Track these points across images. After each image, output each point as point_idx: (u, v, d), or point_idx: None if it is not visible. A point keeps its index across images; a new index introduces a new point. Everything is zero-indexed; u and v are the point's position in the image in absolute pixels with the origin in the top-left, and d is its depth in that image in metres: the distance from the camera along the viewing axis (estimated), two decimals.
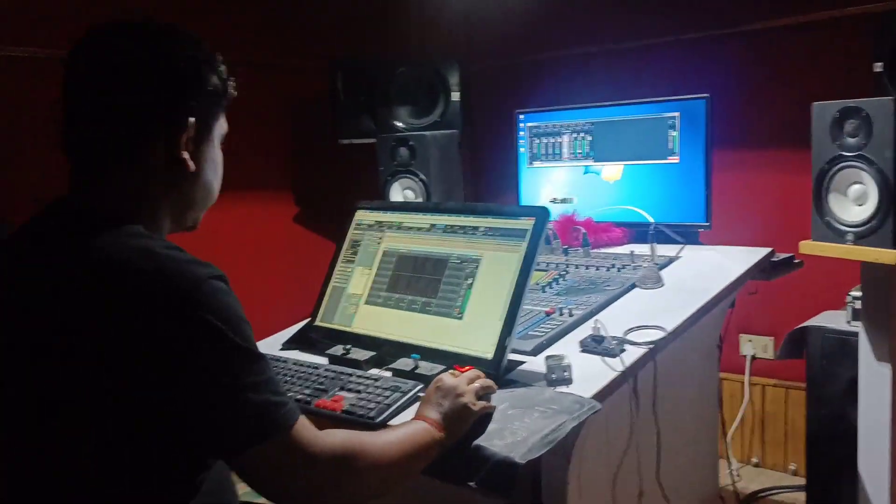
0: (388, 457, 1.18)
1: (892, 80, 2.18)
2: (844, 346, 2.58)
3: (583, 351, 1.55)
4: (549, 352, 1.56)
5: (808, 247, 1.83)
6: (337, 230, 1.96)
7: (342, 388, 1.55)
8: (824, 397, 2.66)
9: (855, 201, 1.72)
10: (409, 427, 1.27)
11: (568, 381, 1.44)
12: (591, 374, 1.46)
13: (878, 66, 2.24)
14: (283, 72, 3.53)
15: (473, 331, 1.55)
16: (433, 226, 1.75)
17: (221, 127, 1.22)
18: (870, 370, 1.83)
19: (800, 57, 2.95)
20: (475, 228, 1.67)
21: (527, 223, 1.57)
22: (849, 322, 2.65)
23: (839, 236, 1.74)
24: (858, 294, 2.60)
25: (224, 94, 1.20)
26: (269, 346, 1.86)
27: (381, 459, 1.17)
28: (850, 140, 1.69)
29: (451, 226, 1.71)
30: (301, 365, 1.70)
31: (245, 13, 3.33)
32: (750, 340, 3.26)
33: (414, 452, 1.22)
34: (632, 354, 1.51)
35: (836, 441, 2.55)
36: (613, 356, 1.50)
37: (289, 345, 1.85)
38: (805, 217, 1.86)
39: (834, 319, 2.73)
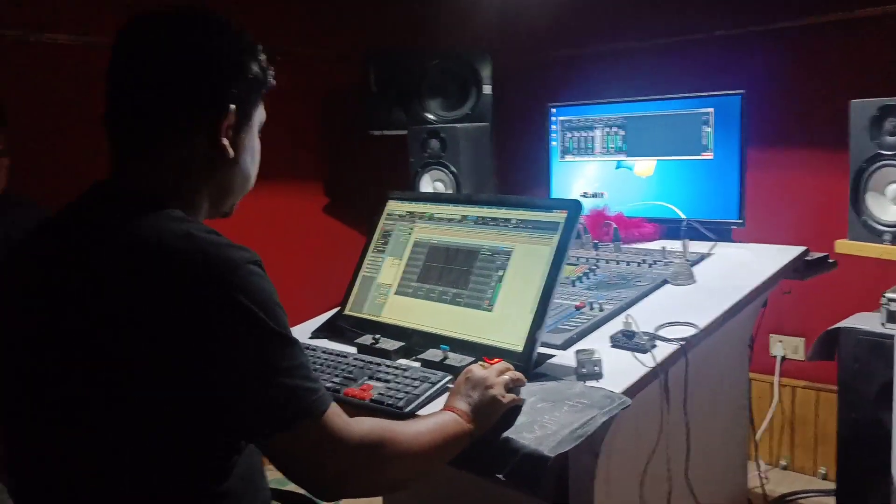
0: (418, 446, 1.18)
1: None
2: (879, 348, 2.54)
3: (613, 346, 1.55)
4: (579, 346, 1.55)
5: (844, 246, 1.80)
6: (367, 221, 1.96)
7: (371, 378, 1.56)
8: (856, 401, 2.62)
9: (893, 201, 1.69)
10: (438, 417, 1.27)
11: (598, 376, 1.43)
12: (621, 369, 1.45)
13: None
14: (317, 62, 3.54)
15: (503, 323, 1.55)
16: (465, 217, 1.75)
17: (260, 115, 1.24)
18: None
19: (837, 55, 2.90)
20: (507, 220, 1.66)
21: (559, 216, 1.57)
22: (883, 324, 2.61)
23: (877, 236, 1.72)
24: (894, 296, 2.56)
25: (264, 83, 1.22)
26: (299, 334, 1.85)
27: (411, 448, 1.17)
28: (890, 139, 1.67)
29: (483, 217, 1.71)
30: (330, 353, 1.71)
31: (279, 3, 3.35)
32: (781, 341, 3.21)
33: (443, 443, 1.22)
34: (663, 350, 1.49)
35: (867, 446, 2.52)
36: (644, 352, 1.49)
37: (318, 333, 1.86)
38: (841, 216, 1.84)
39: (868, 321, 2.69)
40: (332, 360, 1.67)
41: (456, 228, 1.75)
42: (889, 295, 2.60)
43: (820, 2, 2.92)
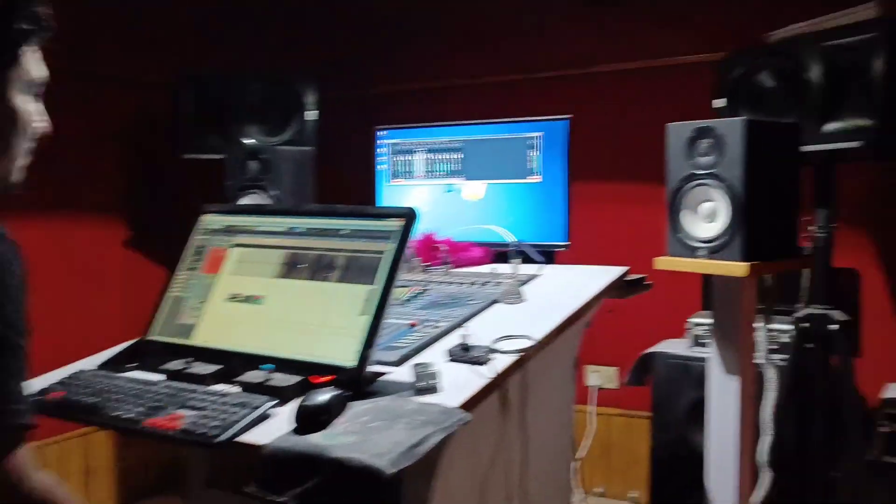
0: None
1: (731, 114, 2.33)
2: (687, 370, 2.69)
3: (451, 360, 1.48)
4: (416, 361, 1.47)
5: (663, 262, 1.87)
6: (179, 249, 1.77)
7: (182, 406, 1.37)
8: (668, 422, 2.75)
9: (706, 218, 1.78)
10: None
11: (436, 389, 1.35)
12: (459, 383, 1.38)
13: (719, 103, 2.40)
14: (126, 85, 3.28)
15: (334, 338, 1.44)
16: (291, 229, 1.62)
17: (27, 73, 1.08)
18: (719, 385, 1.88)
19: (655, 95, 3.13)
20: (337, 231, 1.56)
21: (394, 224, 1.49)
22: (690, 348, 2.77)
23: (692, 251, 1.79)
24: (699, 320, 2.73)
25: (23, 36, 1.06)
26: (90, 366, 1.63)
27: None
28: (703, 159, 1.76)
29: (312, 228, 1.60)
30: (134, 382, 1.50)
31: (89, 24, 3.08)
32: (596, 371, 3.32)
33: None
34: (501, 362, 1.45)
35: (679, 465, 2.63)
36: (482, 364, 1.43)
37: (116, 363, 1.63)
38: (658, 240, 1.91)
39: (676, 346, 2.84)
40: (136, 389, 1.46)
41: (282, 241, 1.62)
42: (693, 320, 2.77)
43: (638, 50, 3.16)
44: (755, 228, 1.71)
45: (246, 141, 2.99)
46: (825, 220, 2.30)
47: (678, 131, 1.79)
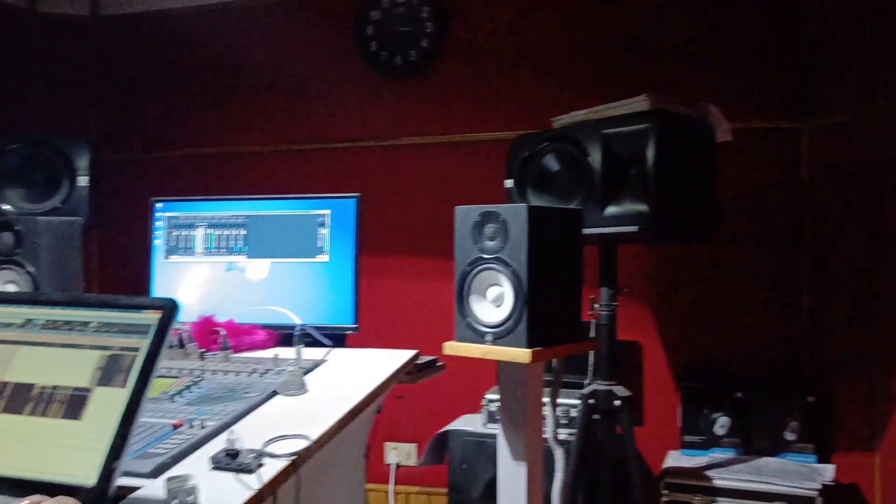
0: None
1: (520, 195, 2.38)
2: (482, 447, 2.67)
3: (214, 468, 1.32)
4: (173, 472, 1.29)
5: (451, 348, 1.82)
6: None
7: None
8: (465, 500, 2.70)
9: (493, 302, 1.77)
10: None
11: None
12: (222, 496, 1.23)
13: (508, 183, 2.44)
14: None
15: (72, 451, 1.23)
16: (29, 321, 1.40)
17: None
18: (507, 469, 1.85)
19: (447, 170, 3.17)
20: (85, 324, 1.36)
21: (151, 316, 1.32)
22: (485, 424, 2.76)
23: (479, 337, 1.76)
24: (493, 396, 2.73)
25: None
26: None
27: None
28: (490, 243, 1.75)
29: (54, 321, 1.39)
30: None
31: None
32: (395, 448, 3.23)
33: None
34: (271, 468, 1.31)
35: None
36: (250, 472, 1.29)
37: None
38: (449, 321, 1.87)
39: (472, 422, 2.82)
40: None
41: (17, 335, 1.39)
42: (489, 396, 2.77)
43: (432, 125, 3.20)
44: (539, 314, 1.71)
45: (5, 207, 2.66)
46: (608, 298, 2.40)
47: (466, 215, 1.78)
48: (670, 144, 2.17)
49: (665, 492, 2.52)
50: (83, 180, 2.72)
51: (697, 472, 2.52)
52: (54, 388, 1.31)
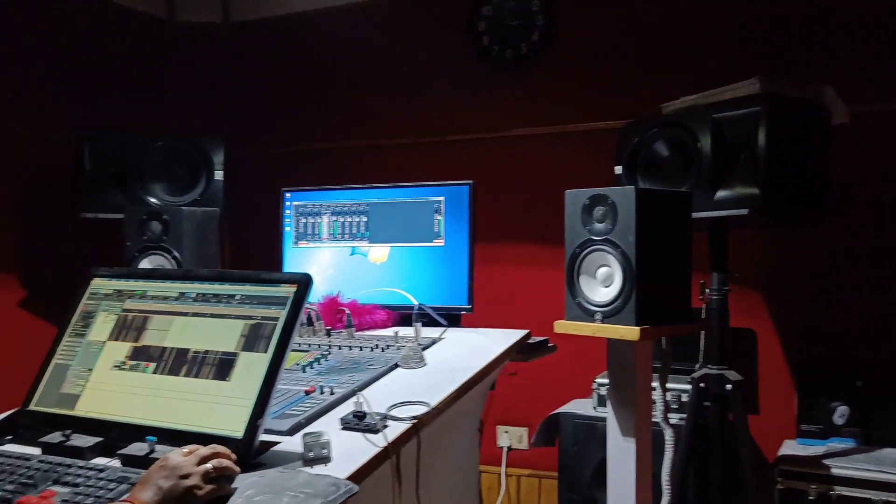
0: None
1: (630, 181, 2.41)
2: (593, 430, 2.72)
3: (344, 428, 1.45)
4: (307, 430, 1.43)
5: (562, 326, 1.89)
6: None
7: (56, 482, 1.30)
8: (575, 482, 2.76)
9: (603, 283, 1.82)
10: None
11: (327, 459, 1.32)
12: (351, 452, 1.35)
13: (617, 169, 2.48)
14: (21, 138, 3.17)
15: (222, 407, 1.39)
16: (182, 294, 1.58)
17: None
18: (616, 445, 1.90)
19: (557, 160, 3.23)
20: (231, 296, 1.53)
21: (288, 290, 1.47)
22: (595, 408, 2.80)
23: (589, 315, 1.83)
24: (603, 380, 2.77)
25: None
26: None
27: None
28: (599, 225, 1.81)
29: (203, 294, 1.56)
30: (7, 456, 1.42)
31: None
32: (506, 431, 3.32)
33: None
34: (395, 429, 1.43)
35: None
36: (376, 432, 1.41)
37: None
38: (560, 305, 1.94)
39: (583, 406, 2.87)
40: (8, 465, 1.38)
41: (172, 307, 1.57)
42: (599, 380, 2.81)
43: (547, 117, 3.27)
44: (647, 293, 1.75)
45: (151, 199, 2.93)
46: (719, 283, 2.39)
47: (575, 198, 1.85)
48: (782, 127, 2.15)
49: (780, 479, 2.49)
50: (219, 174, 2.96)
51: (814, 461, 2.48)
52: (206, 352, 1.48)
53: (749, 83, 2.27)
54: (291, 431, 1.44)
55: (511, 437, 3.31)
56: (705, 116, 2.25)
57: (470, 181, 2.17)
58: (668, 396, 2.34)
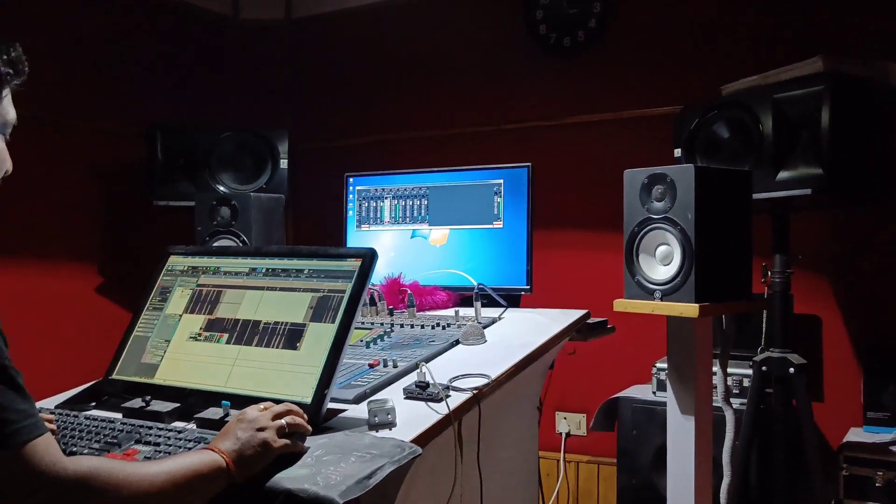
0: (148, 486, 1.08)
1: (689, 162, 2.41)
2: (652, 415, 2.71)
3: (407, 397, 1.50)
4: (372, 399, 1.49)
5: (621, 304, 1.91)
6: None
7: (139, 442, 1.39)
8: (634, 467, 2.76)
9: (662, 261, 1.83)
10: (191, 457, 1.18)
11: (391, 424, 1.37)
12: (415, 419, 1.40)
13: (677, 152, 2.48)
14: (98, 134, 3.33)
15: (291, 375, 1.45)
16: (253, 269, 1.65)
17: (1, 116, 1.14)
18: (676, 423, 1.91)
19: (615, 146, 3.23)
20: (299, 271, 1.59)
21: (353, 264, 1.52)
22: (654, 393, 2.80)
23: (648, 294, 1.84)
24: (662, 365, 2.76)
25: (2, 82, 1.12)
26: (52, 405, 1.64)
27: (138, 490, 1.07)
28: (657, 204, 1.81)
29: (273, 269, 1.63)
30: (92, 419, 1.51)
31: (60, 75, 3.14)
32: (565, 418, 3.34)
33: (187, 483, 1.13)
34: (457, 399, 1.47)
35: None
36: (438, 401, 1.46)
37: (73, 403, 1.63)
38: (619, 287, 1.95)
39: (642, 391, 2.87)
40: (94, 426, 1.47)
41: (244, 281, 1.65)
42: (658, 365, 2.81)
43: (602, 103, 3.27)
44: (707, 271, 1.76)
45: (220, 188, 3.05)
46: (781, 265, 2.37)
47: (633, 177, 1.86)
48: (845, 107, 2.12)
49: (845, 465, 2.45)
50: (283, 163, 3.06)
51: (881, 447, 2.43)
52: (276, 323, 1.55)
53: (812, 62, 2.24)
54: (357, 400, 1.50)
55: (570, 423, 3.32)
56: (766, 97, 2.23)
57: (528, 163, 2.20)
58: (729, 381, 2.33)
